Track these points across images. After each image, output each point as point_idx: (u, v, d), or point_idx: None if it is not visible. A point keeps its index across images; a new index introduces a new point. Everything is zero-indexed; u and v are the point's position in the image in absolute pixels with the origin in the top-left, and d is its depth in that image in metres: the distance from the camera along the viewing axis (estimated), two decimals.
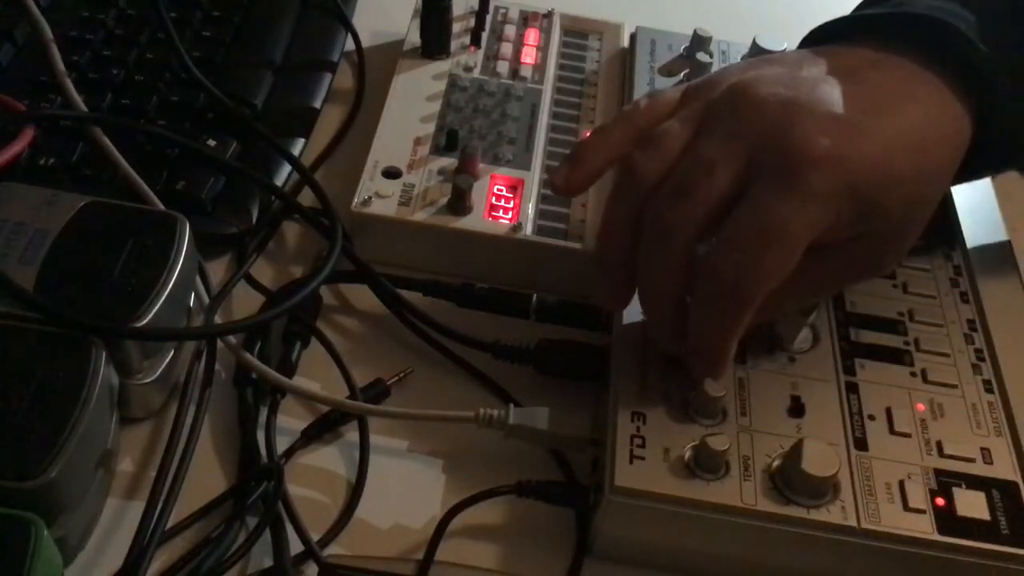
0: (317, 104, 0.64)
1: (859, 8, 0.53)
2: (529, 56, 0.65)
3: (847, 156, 0.41)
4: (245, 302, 0.53)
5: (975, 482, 0.44)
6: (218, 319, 0.50)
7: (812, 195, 0.41)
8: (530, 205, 0.56)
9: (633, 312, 0.48)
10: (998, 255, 0.56)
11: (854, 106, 0.43)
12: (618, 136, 0.46)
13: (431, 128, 0.59)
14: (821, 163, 0.41)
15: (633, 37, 0.67)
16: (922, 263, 0.53)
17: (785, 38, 0.64)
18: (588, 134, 0.49)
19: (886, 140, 0.42)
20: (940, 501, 0.43)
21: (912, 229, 0.46)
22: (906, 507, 0.42)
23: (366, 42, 0.69)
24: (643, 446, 0.43)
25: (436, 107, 0.61)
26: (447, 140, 0.58)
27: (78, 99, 0.56)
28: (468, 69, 0.64)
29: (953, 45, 0.46)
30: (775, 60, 0.47)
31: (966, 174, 0.48)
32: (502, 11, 0.69)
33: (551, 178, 0.47)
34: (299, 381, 0.50)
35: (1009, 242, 0.56)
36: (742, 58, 0.64)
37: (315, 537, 0.45)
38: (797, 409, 0.46)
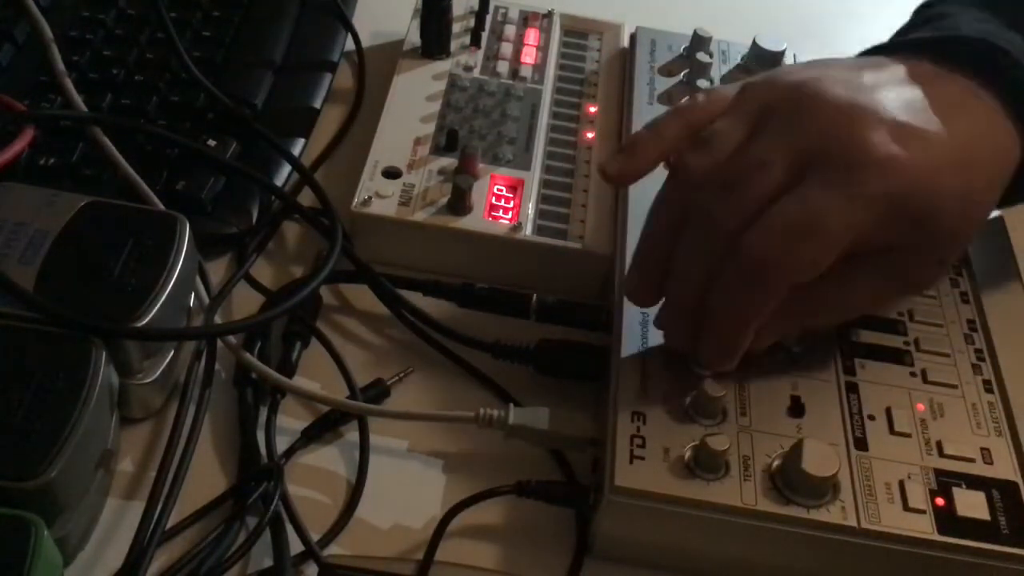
0: (317, 104, 0.64)
1: (904, 30, 0.52)
2: (529, 56, 0.65)
3: (902, 162, 0.41)
4: (245, 302, 0.53)
5: (975, 482, 0.44)
6: (218, 319, 0.50)
7: (860, 195, 0.41)
8: (530, 205, 0.56)
9: (633, 314, 0.48)
10: (998, 255, 0.56)
11: (912, 114, 0.43)
12: (673, 131, 0.46)
13: (431, 128, 0.59)
14: (876, 165, 0.41)
15: (633, 37, 0.67)
16: None
17: (785, 38, 0.64)
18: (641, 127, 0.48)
19: (940, 152, 0.42)
20: (940, 501, 0.43)
21: (954, 246, 0.45)
22: (906, 507, 0.42)
23: (366, 42, 0.69)
24: (643, 446, 0.43)
25: (436, 107, 0.61)
26: (447, 140, 0.58)
27: (78, 99, 0.56)
28: (468, 69, 0.64)
29: (1005, 68, 0.46)
30: (834, 63, 0.47)
31: (1013, 197, 0.48)
32: (502, 11, 0.69)
33: (603, 167, 0.46)
34: (299, 381, 0.50)
35: (1009, 242, 0.56)
36: (742, 58, 0.64)
37: (315, 537, 0.45)
38: (797, 409, 0.46)
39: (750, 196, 0.42)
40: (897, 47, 0.48)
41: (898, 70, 0.45)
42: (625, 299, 0.48)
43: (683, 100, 0.47)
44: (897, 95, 0.43)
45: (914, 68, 0.46)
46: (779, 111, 0.43)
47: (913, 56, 0.46)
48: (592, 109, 0.62)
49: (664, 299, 0.46)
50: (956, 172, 0.43)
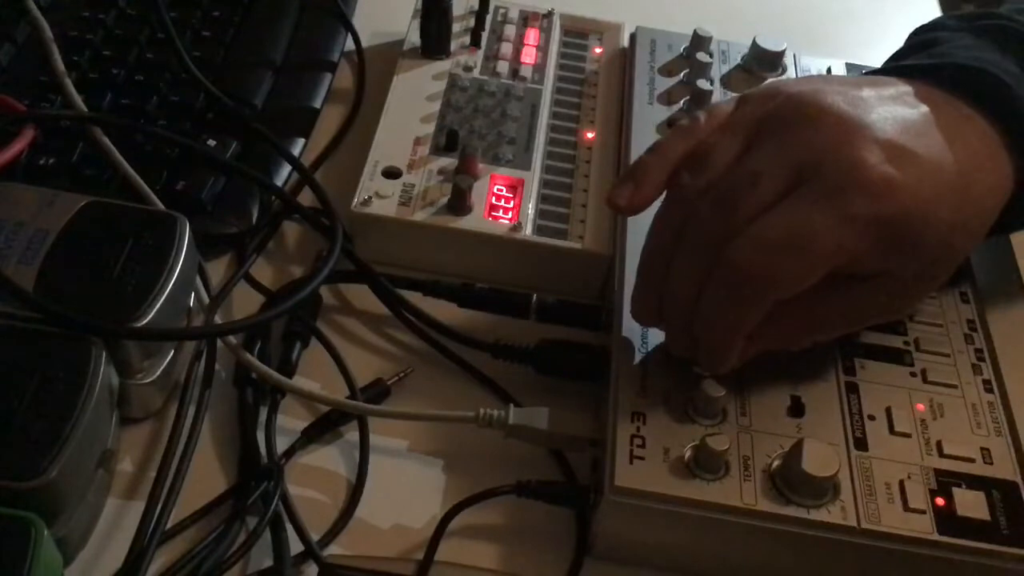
0: (317, 104, 0.64)
1: (898, 56, 0.52)
2: (529, 56, 0.65)
3: (896, 185, 0.41)
4: (245, 302, 0.53)
5: (975, 482, 0.44)
6: (218, 319, 0.50)
7: (852, 217, 0.40)
8: (530, 205, 0.56)
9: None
10: (998, 255, 0.56)
11: (910, 136, 0.42)
12: (676, 153, 0.45)
13: (431, 128, 0.59)
14: (871, 187, 0.40)
15: (633, 37, 0.67)
16: None
17: (785, 38, 0.64)
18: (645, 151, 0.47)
19: (936, 179, 0.42)
20: (940, 501, 0.43)
21: (937, 275, 0.45)
22: (906, 507, 0.42)
23: (366, 42, 0.69)
24: (643, 446, 0.43)
25: (436, 107, 0.61)
26: (447, 140, 0.58)
27: (78, 99, 0.56)
28: (468, 69, 0.64)
29: (1004, 98, 0.45)
30: (833, 78, 0.46)
31: (1002, 228, 0.48)
32: (502, 11, 0.69)
33: (610, 198, 0.45)
34: (299, 381, 0.50)
35: (1009, 242, 0.56)
36: (742, 58, 0.64)
37: (315, 537, 0.45)
38: (797, 409, 0.46)
39: (741, 208, 0.41)
40: (893, 72, 0.48)
41: (899, 88, 0.45)
42: (625, 297, 0.48)
43: (683, 120, 0.46)
44: (896, 113, 0.43)
45: (916, 88, 0.45)
46: (775, 123, 0.43)
47: (912, 79, 0.46)
48: (592, 109, 0.62)
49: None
50: (950, 202, 0.42)
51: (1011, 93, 0.46)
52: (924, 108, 0.44)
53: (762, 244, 0.41)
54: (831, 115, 0.42)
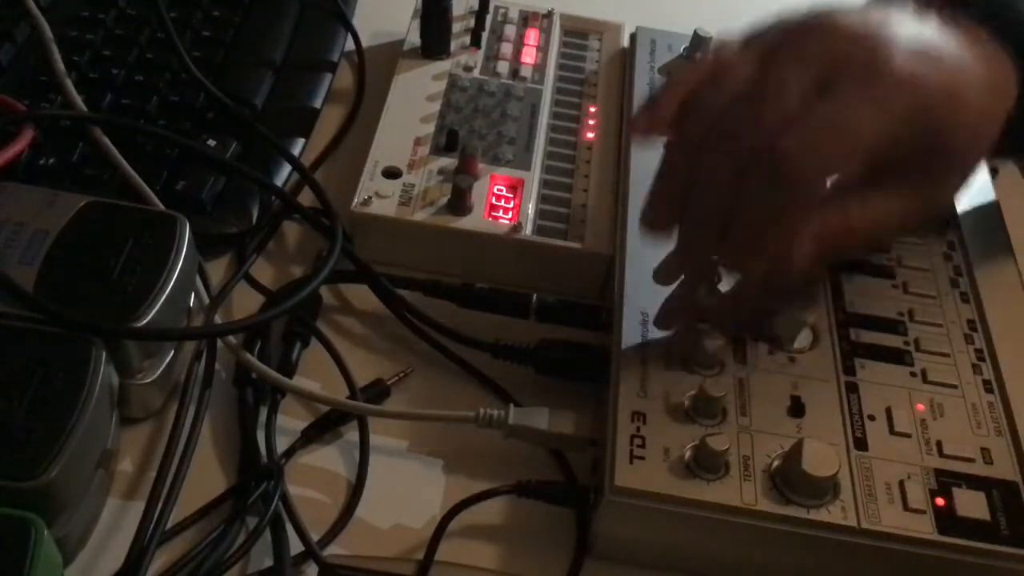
0: (317, 104, 0.64)
1: None
2: (529, 56, 0.65)
3: (924, 78, 0.43)
4: (245, 302, 0.54)
5: (975, 482, 0.44)
6: (218, 319, 0.50)
7: (886, 103, 0.42)
8: (530, 205, 0.56)
9: (633, 314, 0.48)
10: (998, 255, 0.56)
11: (928, 45, 0.44)
12: (691, 78, 0.45)
13: (431, 128, 0.59)
14: (901, 78, 0.42)
15: (633, 37, 0.67)
16: (922, 263, 0.53)
17: None
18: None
19: (958, 77, 0.44)
20: (940, 501, 0.43)
21: (965, 168, 0.47)
22: (906, 507, 0.42)
23: (366, 42, 0.69)
24: (643, 446, 0.43)
25: (436, 107, 0.61)
26: (447, 140, 0.58)
27: (78, 99, 0.56)
28: (468, 69, 0.64)
29: (1013, 22, 0.47)
30: (838, 7, 0.47)
31: (1004, 151, 0.49)
32: (502, 11, 0.69)
33: (631, 125, 0.46)
34: (299, 381, 0.50)
35: (1009, 242, 0.56)
36: None
37: (315, 537, 0.45)
38: (797, 409, 0.46)
39: (769, 111, 0.42)
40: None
41: (905, 12, 0.46)
42: (625, 297, 0.48)
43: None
44: (910, 29, 0.44)
45: (919, 11, 0.46)
46: (790, 45, 0.43)
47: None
48: (592, 109, 0.62)
49: (675, 275, 0.46)
50: (973, 95, 0.44)
51: (1020, 17, 0.48)
52: (935, 25, 0.46)
53: (804, 131, 0.41)
54: (849, 27, 0.43)
